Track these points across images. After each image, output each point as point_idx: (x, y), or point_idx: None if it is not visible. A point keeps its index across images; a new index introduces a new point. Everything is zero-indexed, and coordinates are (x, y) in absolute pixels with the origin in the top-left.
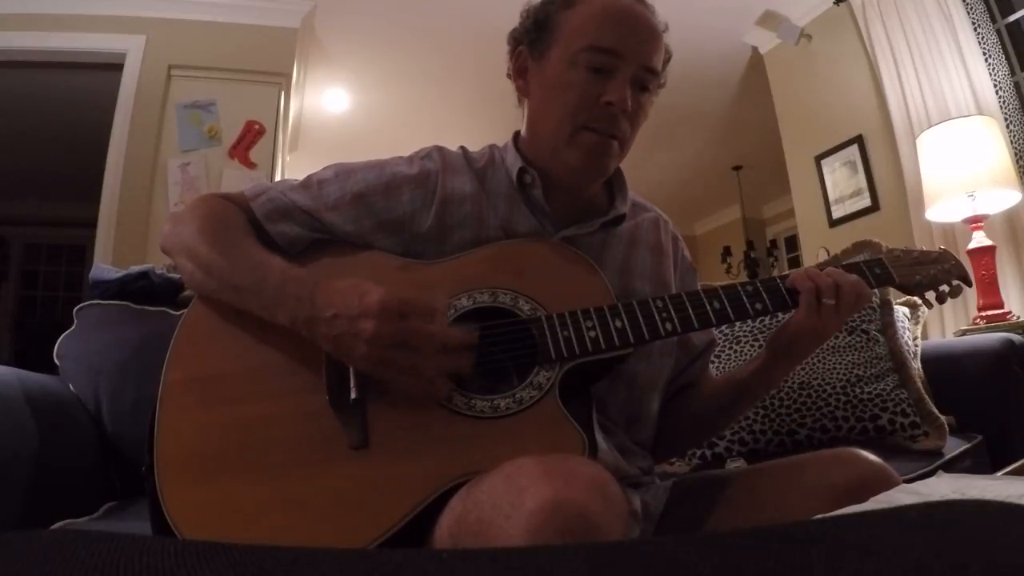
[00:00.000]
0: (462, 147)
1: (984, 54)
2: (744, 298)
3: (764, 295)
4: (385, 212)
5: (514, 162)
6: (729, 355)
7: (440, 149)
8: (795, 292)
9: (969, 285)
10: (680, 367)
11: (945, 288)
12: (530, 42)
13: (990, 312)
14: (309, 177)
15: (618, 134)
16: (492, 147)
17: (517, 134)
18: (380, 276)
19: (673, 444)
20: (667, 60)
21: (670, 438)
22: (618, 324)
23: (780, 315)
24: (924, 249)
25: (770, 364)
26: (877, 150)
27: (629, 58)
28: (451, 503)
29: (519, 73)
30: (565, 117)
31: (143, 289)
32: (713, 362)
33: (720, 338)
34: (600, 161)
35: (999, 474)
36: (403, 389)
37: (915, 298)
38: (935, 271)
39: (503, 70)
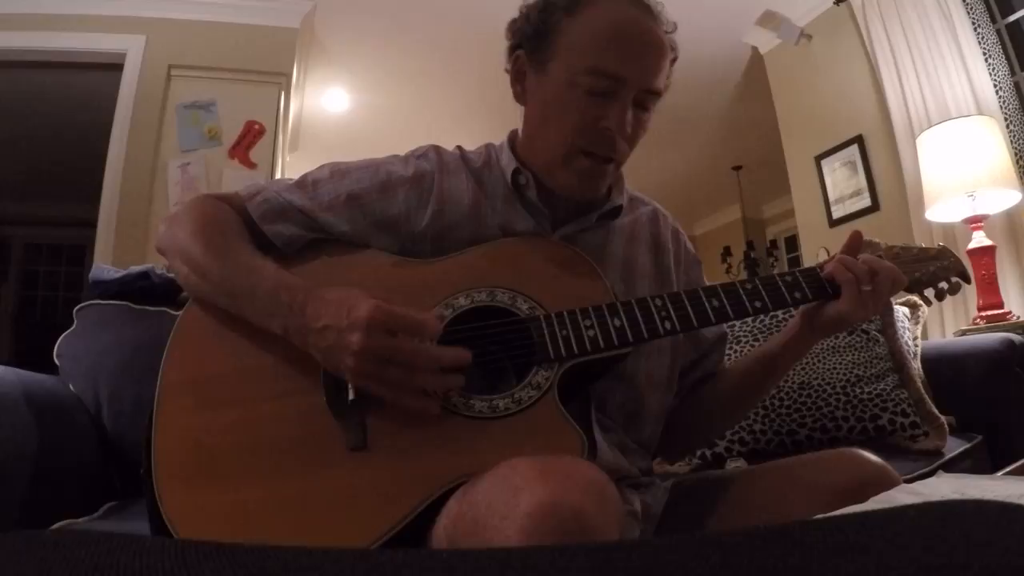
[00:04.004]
0: (459, 147)
1: (984, 54)
2: (743, 295)
3: (762, 292)
4: (380, 212)
5: (509, 163)
6: (728, 355)
7: (437, 149)
8: (834, 282)
9: (968, 282)
10: (689, 360)
11: (944, 285)
12: (529, 49)
13: (990, 312)
14: (304, 176)
15: (615, 156)
16: (489, 146)
17: (513, 133)
18: (377, 275)
19: (702, 433)
20: (673, 60)
21: (699, 428)
22: (617, 323)
23: (779, 314)
24: (923, 246)
25: (801, 339)
26: (877, 150)
27: (632, 83)
28: (448, 504)
29: (516, 78)
30: (562, 139)
31: (143, 289)
32: None
33: None
34: (594, 183)
35: (999, 474)
36: (392, 403)
37: (915, 297)
38: (934, 268)
39: (503, 70)
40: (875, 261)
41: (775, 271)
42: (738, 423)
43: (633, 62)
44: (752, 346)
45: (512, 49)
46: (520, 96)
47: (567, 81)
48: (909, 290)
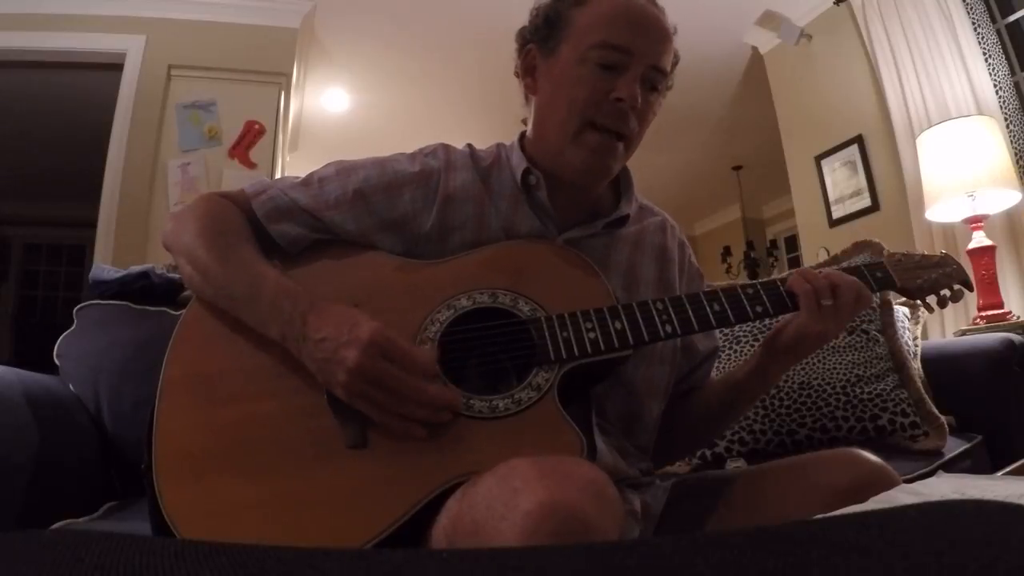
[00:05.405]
0: (469, 145)
1: (984, 54)
2: (744, 300)
3: (764, 297)
4: (386, 211)
5: (519, 163)
6: (729, 355)
7: (446, 147)
8: (794, 295)
9: (971, 290)
10: (682, 372)
11: (947, 292)
12: (540, 39)
13: (990, 312)
14: (311, 175)
15: (625, 132)
16: (499, 146)
17: (523, 134)
18: (380, 276)
19: (675, 448)
20: (675, 63)
21: (672, 442)
22: (618, 326)
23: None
24: (926, 253)
25: (767, 364)
26: (877, 150)
27: (640, 57)
28: (447, 504)
29: (527, 71)
30: (572, 113)
31: (143, 289)
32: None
33: (720, 338)
34: (604, 161)
35: (999, 474)
36: (378, 422)
37: (916, 301)
38: (936, 275)
39: (503, 70)
40: (837, 275)
41: (775, 271)
42: (719, 436)
43: (641, 36)
44: (752, 346)
45: (522, 47)
46: (531, 88)
47: (578, 58)
48: (912, 297)
